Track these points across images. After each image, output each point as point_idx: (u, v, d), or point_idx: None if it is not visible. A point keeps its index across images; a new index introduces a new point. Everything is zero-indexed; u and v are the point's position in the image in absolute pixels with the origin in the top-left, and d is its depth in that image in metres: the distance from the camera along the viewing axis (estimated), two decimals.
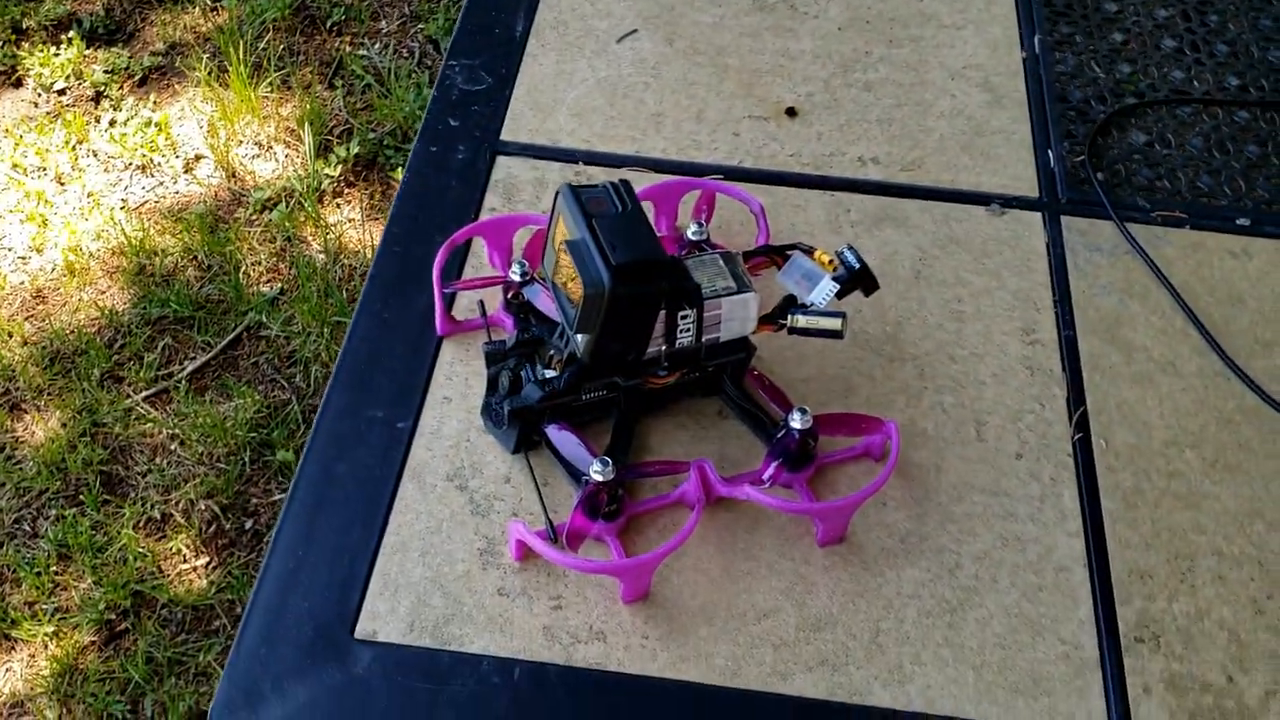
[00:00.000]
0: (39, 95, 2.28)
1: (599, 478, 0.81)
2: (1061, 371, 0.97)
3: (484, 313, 0.95)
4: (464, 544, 0.85)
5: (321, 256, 2.02)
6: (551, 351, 0.88)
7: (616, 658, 0.80)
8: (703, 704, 0.78)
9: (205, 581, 1.67)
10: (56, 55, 2.32)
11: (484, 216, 1.05)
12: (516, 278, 0.92)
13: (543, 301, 0.91)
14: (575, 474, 0.87)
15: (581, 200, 0.82)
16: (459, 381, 0.94)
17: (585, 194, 0.83)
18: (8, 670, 1.58)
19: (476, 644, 0.80)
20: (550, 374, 0.87)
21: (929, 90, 1.19)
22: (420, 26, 2.41)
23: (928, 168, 1.11)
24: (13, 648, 1.60)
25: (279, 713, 0.76)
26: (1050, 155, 1.13)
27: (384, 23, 2.42)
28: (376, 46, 2.37)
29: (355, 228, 2.07)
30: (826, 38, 1.23)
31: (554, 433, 0.88)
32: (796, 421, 0.85)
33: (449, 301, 0.98)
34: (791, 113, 1.16)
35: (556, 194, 0.83)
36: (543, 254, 0.87)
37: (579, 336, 0.82)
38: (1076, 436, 0.93)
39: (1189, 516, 0.89)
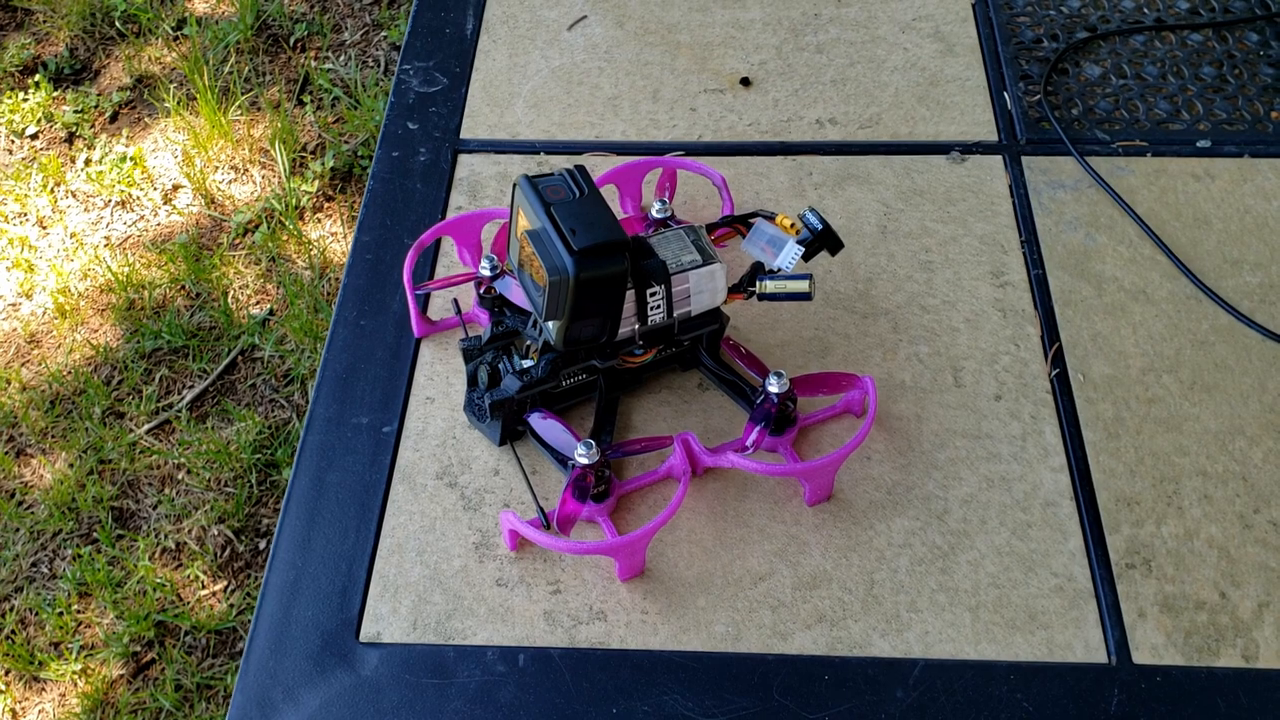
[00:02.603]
0: (12, 141, 2.29)
1: (584, 461, 0.82)
2: (1034, 310, 0.98)
3: (458, 310, 0.96)
4: (459, 539, 0.86)
5: (308, 273, 2.04)
6: (527, 342, 0.89)
7: (618, 635, 0.81)
8: (707, 671, 0.80)
9: (225, 605, 1.69)
10: (25, 100, 2.33)
11: (450, 215, 1.06)
12: (487, 272, 0.93)
13: (514, 293, 0.92)
14: (561, 459, 0.88)
15: (539, 189, 0.83)
16: (440, 381, 0.95)
17: (542, 183, 0.84)
18: (40, 711, 1.60)
19: (480, 636, 0.81)
20: (527, 364, 0.88)
21: (880, 46, 1.19)
22: (383, 34, 2.42)
23: (885, 123, 1.12)
24: (43, 688, 1.62)
25: None
26: (1007, 97, 1.14)
27: (346, 34, 2.43)
28: (341, 59, 2.38)
29: (338, 241, 2.09)
30: (775, 4, 1.24)
31: (537, 421, 0.89)
32: (773, 386, 0.86)
33: (423, 303, 0.99)
34: (746, 83, 1.16)
35: (514, 185, 0.84)
36: (508, 247, 0.88)
37: (550, 324, 0.83)
38: (1054, 373, 0.94)
39: (1171, 440, 0.90)
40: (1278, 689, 0.78)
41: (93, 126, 2.31)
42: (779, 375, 0.86)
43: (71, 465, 1.82)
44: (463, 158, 1.11)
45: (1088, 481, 0.88)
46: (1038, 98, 1.14)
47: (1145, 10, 1.23)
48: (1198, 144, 1.10)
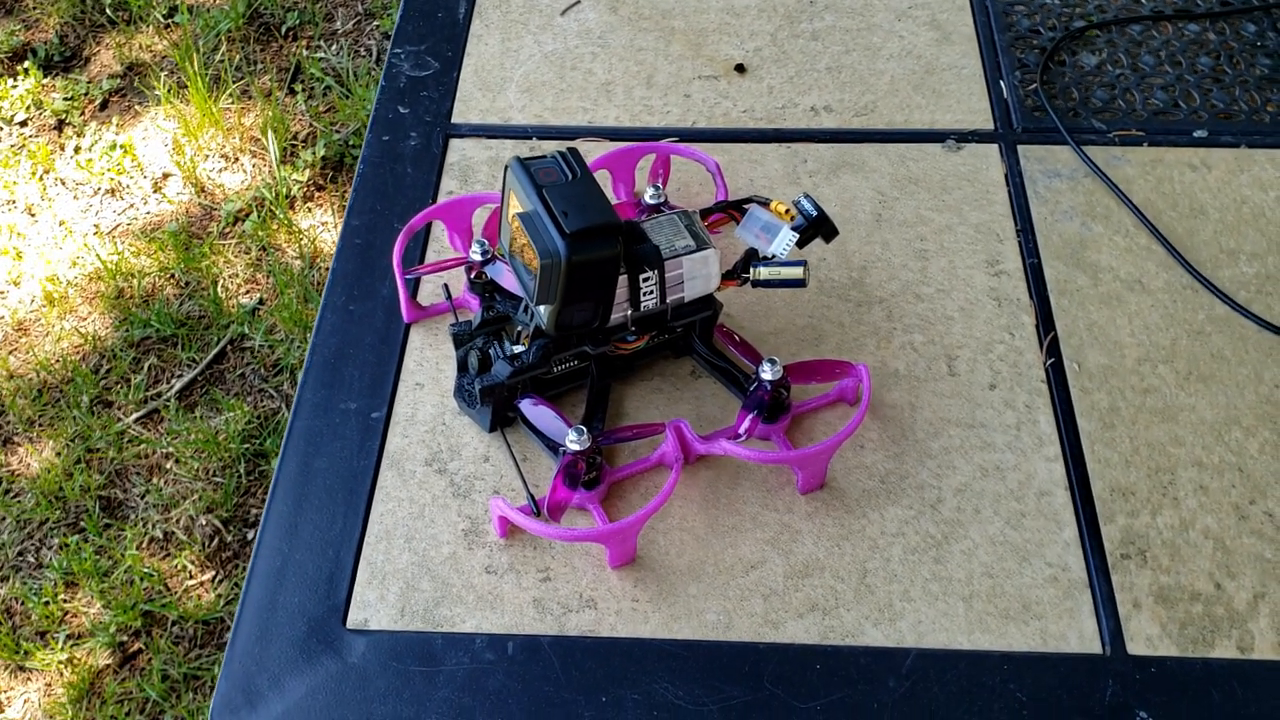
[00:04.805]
0: (0, 129, 2.27)
1: (575, 447, 0.81)
2: (1029, 299, 0.97)
3: (449, 295, 0.95)
4: (448, 526, 0.85)
5: (298, 262, 2.02)
6: (518, 327, 0.88)
7: (609, 623, 0.81)
8: (698, 660, 0.79)
9: (213, 595, 1.68)
10: (14, 87, 2.31)
11: (441, 200, 1.05)
12: (478, 257, 0.92)
13: (506, 279, 0.91)
14: (552, 446, 0.87)
15: (531, 172, 0.82)
16: (430, 366, 0.94)
17: (534, 165, 0.83)
18: (26, 701, 1.59)
19: (468, 623, 0.80)
20: (518, 349, 0.87)
21: (876, 34, 1.18)
22: (375, 24, 2.40)
23: (881, 111, 1.11)
24: (29, 678, 1.61)
25: (278, 708, 0.77)
26: (1003, 86, 1.13)
27: (338, 23, 2.41)
28: (333, 48, 2.36)
29: (329, 230, 2.07)
30: None
31: (528, 407, 0.89)
32: (767, 373, 0.85)
33: (413, 288, 0.98)
34: (741, 69, 1.15)
35: (506, 168, 0.83)
36: (499, 231, 0.87)
37: (542, 308, 0.83)
38: (1049, 362, 0.94)
39: (1166, 430, 0.90)
40: (1272, 680, 0.77)
41: (82, 114, 2.29)
42: (772, 362, 0.85)
43: (59, 454, 1.81)
44: (454, 142, 1.10)
45: (1083, 471, 0.87)
46: (1034, 86, 1.13)
47: (1142, 0, 1.22)
48: (1194, 134, 1.09)
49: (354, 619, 0.81)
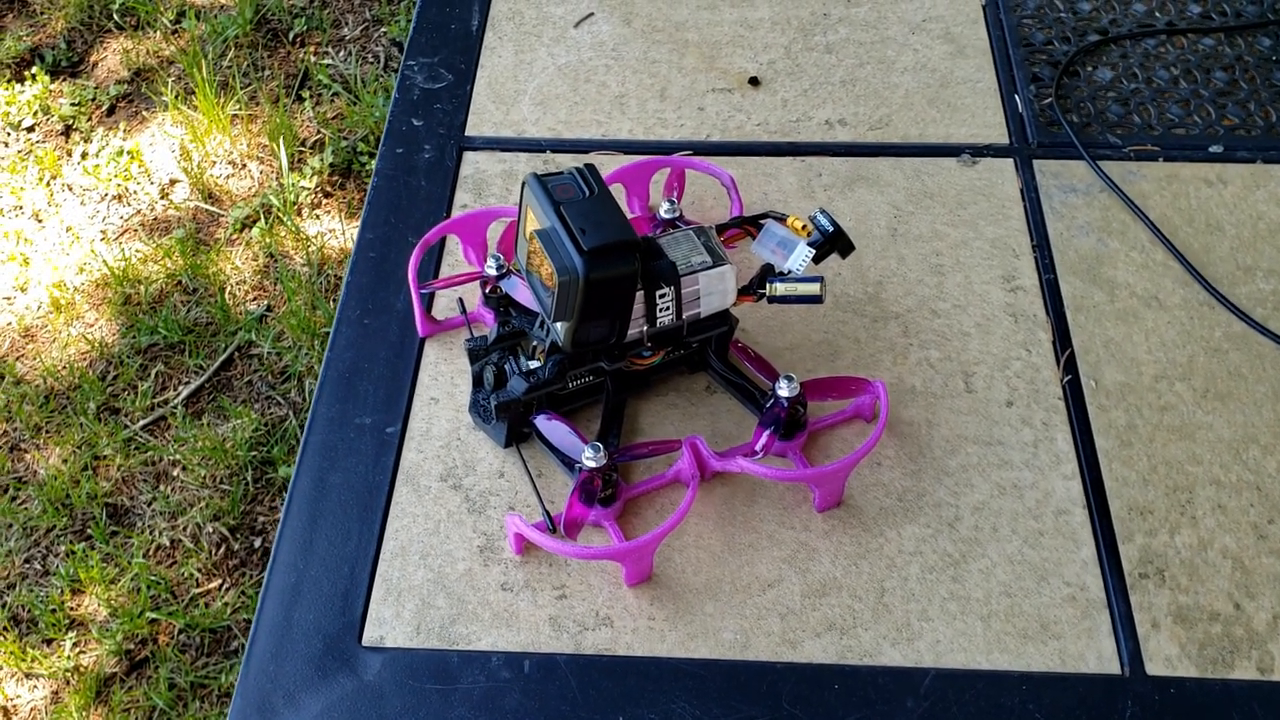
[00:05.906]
0: (8, 134, 2.27)
1: (591, 464, 0.81)
2: (1045, 315, 0.97)
3: (464, 310, 0.95)
4: (463, 543, 0.85)
5: (305, 269, 2.02)
6: (534, 342, 0.88)
7: (625, 641, 0.80)
8: (715, 679, 0.78)
9: (220, 603, 1.68)
10: (22, 92, 2.31)
11: (455, 213, 1.05)
12: (493, 272, 0.92)
13: (521, 293, 0.90)
14: (568, 462, 0.87)
15: (548, 188, 0.82)
16: (445, 381, 0.94)
17: (551, 182, 0.82)
18: (33, 709, 1.59)
19: (484, 641, 0.80)
20: (534, 365, 0.87)
21: (890, 47, 1.18)
22: (382, 30, 2.40)
23: (896, 124, 1.11)
24: (35, 685, 1.61)
25: None
26: (1018, 100, 1.13)
27: (346, 30, 2.41)
28: (341, 54, 2.36)
29: (336, 237, 2.07)
30: (784, 4, 1.22)
31: (544, 423, 0.88)
32: (784, 390, 0.85)
33: (428, 302, 0.98)
34: (755, 82, 1.15)
35: (523, 184, 0.83)
36: (515, 246, 0.87)
37: (558, 325, 0.82)
38: (1065, 379, 0.93)
39: (1184, 448, 0.89)
40: None
41: (90, 119, 2.29)
42: (789, 379, 0.85)
43: (65, 461, 1.81)
44: (468, 155, 1.10)
45: (1100, 490, 0.87)
46: (1049, 101, 1.13)
47: (1157, 14, 1.22)
48: (1210, 149, 1.09)
49: (369, 636, 0.81)
